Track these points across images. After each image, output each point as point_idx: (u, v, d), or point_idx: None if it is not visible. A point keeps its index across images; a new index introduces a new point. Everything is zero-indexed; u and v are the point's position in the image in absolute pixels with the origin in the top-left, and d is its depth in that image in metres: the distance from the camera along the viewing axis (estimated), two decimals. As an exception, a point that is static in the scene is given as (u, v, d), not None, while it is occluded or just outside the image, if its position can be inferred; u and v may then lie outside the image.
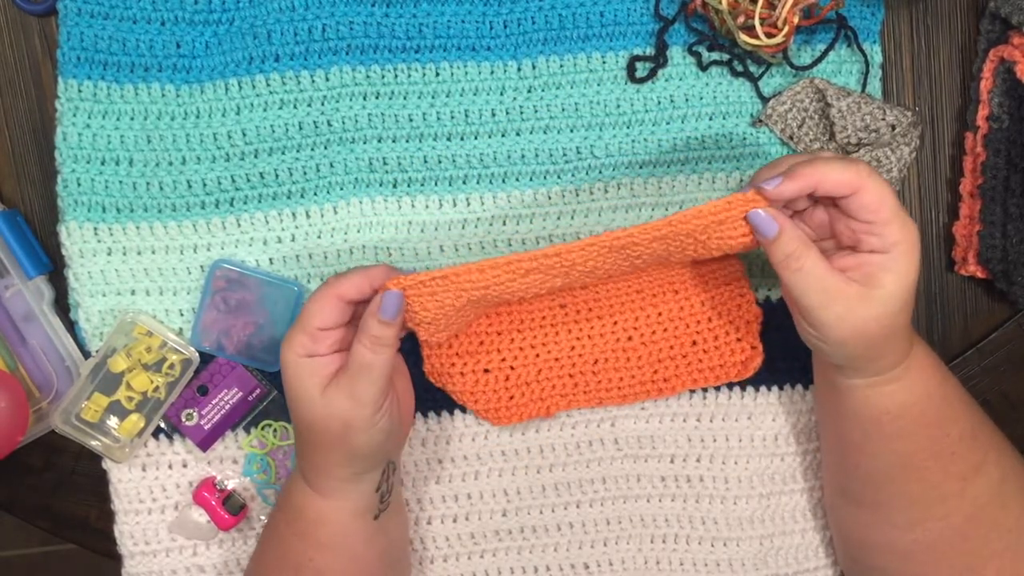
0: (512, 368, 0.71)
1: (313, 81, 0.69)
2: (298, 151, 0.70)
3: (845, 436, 0.66)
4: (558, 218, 0.72)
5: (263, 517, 0.72)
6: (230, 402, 0.70)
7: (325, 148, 0.70)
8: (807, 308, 0.59)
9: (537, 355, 0.71)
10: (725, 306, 0.71)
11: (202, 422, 0.70)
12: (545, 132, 0.72)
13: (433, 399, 0.72)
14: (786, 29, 0.68)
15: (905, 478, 0.64)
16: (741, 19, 0.68)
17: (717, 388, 0.73)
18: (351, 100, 0.70)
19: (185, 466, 0.72)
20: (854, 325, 0.58)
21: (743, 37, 0.69)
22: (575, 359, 0.71)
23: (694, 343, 0.71)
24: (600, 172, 0.72)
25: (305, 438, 0.62)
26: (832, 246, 0.62)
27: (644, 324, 0.71)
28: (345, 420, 0.60)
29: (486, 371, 0.71)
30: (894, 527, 0.65)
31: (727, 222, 0.59)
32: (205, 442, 0.70)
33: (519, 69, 0.71)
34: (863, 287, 0.58)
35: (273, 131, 0.69)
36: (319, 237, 0.70)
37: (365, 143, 0.70)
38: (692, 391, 0.73)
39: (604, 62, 0.72)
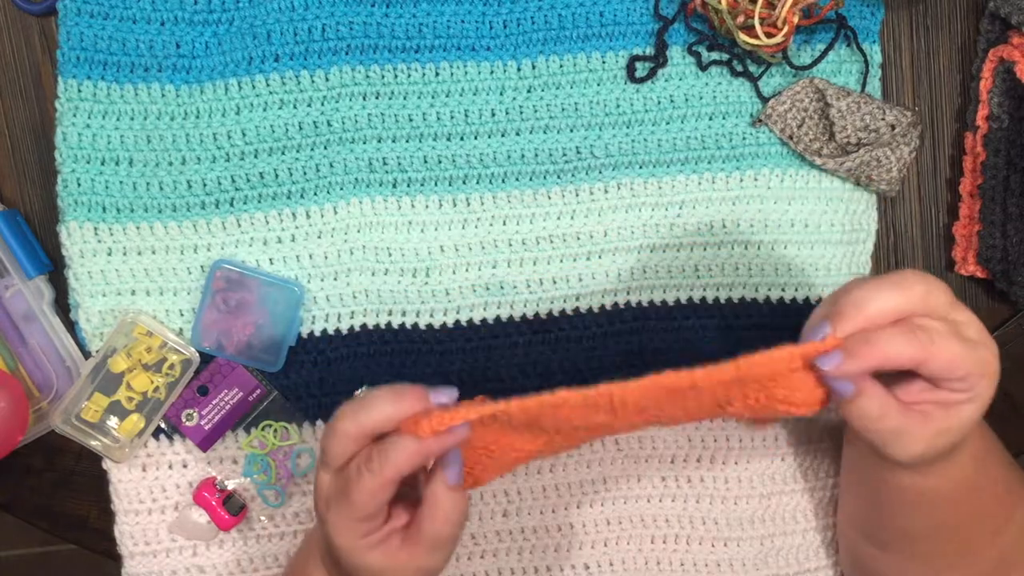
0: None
1: (313, 81, 0.69)
2: (298, 151, 0.70)
3: (879, 499, 0.64)
4: (558, 218, 0.72)
5: (263, 518, 0.72)
6: (230, 402, 0.70)
7: (325, 148, 0.70)
8: (875, 446, 0.56)
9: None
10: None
11: (202, 422, 0.70)
12: (545, 132, 0.72)
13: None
14: (786, 29, 0.68)
15: (937, 536, 0.63)
16: (741, 19, 0.68)
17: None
18: (351, 100, 0.70)
19: (185, 466, 0.71)
20: (925, 450, 0.55)
21: (743, 37, 0.69)
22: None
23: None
24: (600, 172, 0.72)
25: None
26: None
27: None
28: (429, 571, 0.57)
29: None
30: (918, 571, 0.65)
31: (796, 373, 0.55)
32: (205, 442, 0.70)
33: (519, 69, 0.71)
34: (940, 420, 0.55)
35: (273, 131, 0.70)
36: (319, 237, 0.70)
37: (365, 143, 0.70)
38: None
39: (604, 62, 0.72)
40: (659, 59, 0.72)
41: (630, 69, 0.72)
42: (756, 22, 0.68)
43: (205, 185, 0.70)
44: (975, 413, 0.55)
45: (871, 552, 0.68)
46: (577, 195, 0.72)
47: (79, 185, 0.68)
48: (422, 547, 0.55)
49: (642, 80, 0.72)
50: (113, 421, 0.69)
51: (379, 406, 0.54)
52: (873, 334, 0.53)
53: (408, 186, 0.71)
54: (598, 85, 0.72)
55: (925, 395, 0.55)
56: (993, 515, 0.63)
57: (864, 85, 0.73)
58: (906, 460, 0.56)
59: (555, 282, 0.72)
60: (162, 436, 0.71)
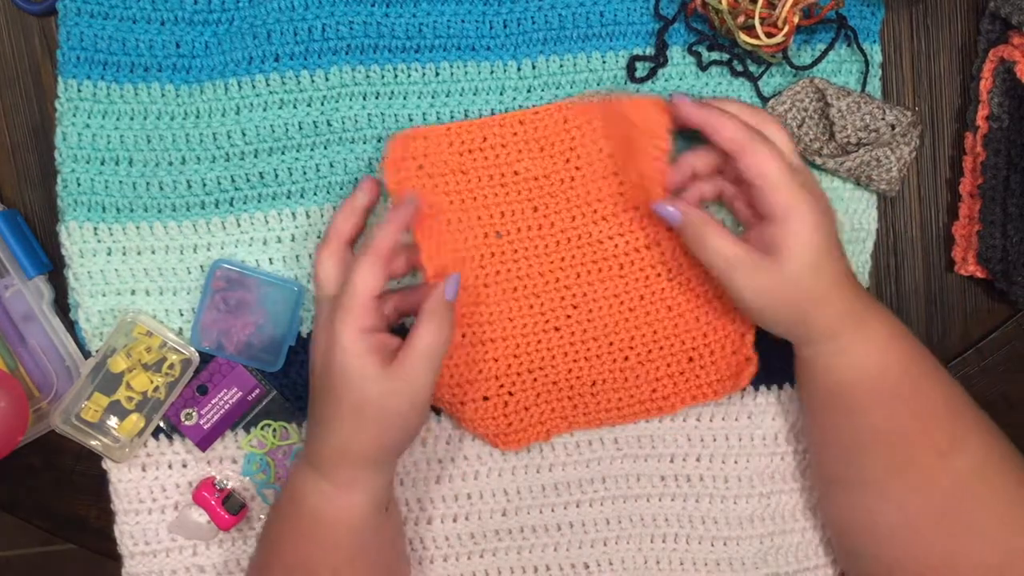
0: (511, 394, 0.71)
1: (313, 81, 0.69)
2: (298, 151, 0.70)
3: (813, 410, 0.68)
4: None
5: (263, 517, 0.72)
6: (230, 402, 0.70)
7: (325, 148, 0.70)
8: (721, 280, 0.64)
9: (535, 379, 0.71)
10: (720, 320, 0.71)
11: (201, 422, 0.70)
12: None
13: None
14: (786, 29, 0.68)
15: (876, 450, 0.64)
16: (741, 19, 0.68)
17: (717, 388, 0.73)
18: (351, 100, 0.70)
19: (185, 466, 0.72)
20: (764, 291, 0.63)
21: (743, 37, 0.69)
22: (573, 381, 0.71)
23: (690, 359, 0.71)
24: (600, 172, 0.72)
25: (348, 423, 0.61)
26: (751, 218, 0.67)
27: (640, 343, 0.71)
28: (412, 402, 0.61)
29: (485, 399, 0.71)
30: (873, 502, 0.65)
31: (651, 131, 0.67)
32: (204, 442, 0.70)
33: (519, 69, 0.71)
34: (766, 255, 0.62)
35: (273, 131, 0.69)
36: (319, 237, 0.70)
37: (365, 143, 0.70)
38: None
39: (604, 62, 0.72)
40: (659, 59, 0.72)
41: (630, 69, 0.72)
42: (756, 22, 0.68)
43: (205, 185, 0.70)
44: (796, 251, 0.62)
45: (835, 496, 0.69)
46: (577, 195, 0.72)
47: (79, 185, 0.68)
48: (412, 358, 0.61)
49: (642, 80, 0.72)
50: (113, 421, 0.69)
51: (383, 229, 0.63)
52: (727, 108, 0.65)
53: (408, 186, 0.71)
54: (598, 85, 0.72)
55: (753, 232, 0.65)
56: (932, 431, 0.64)
57: (864, 85, 0.73)
58: (742, 292, 0.63)
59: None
60: (162, 436, 0.71)
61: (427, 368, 0.61)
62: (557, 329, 0.71)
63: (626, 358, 0.71)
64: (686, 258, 0.70)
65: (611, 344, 0.71)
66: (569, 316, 0.71)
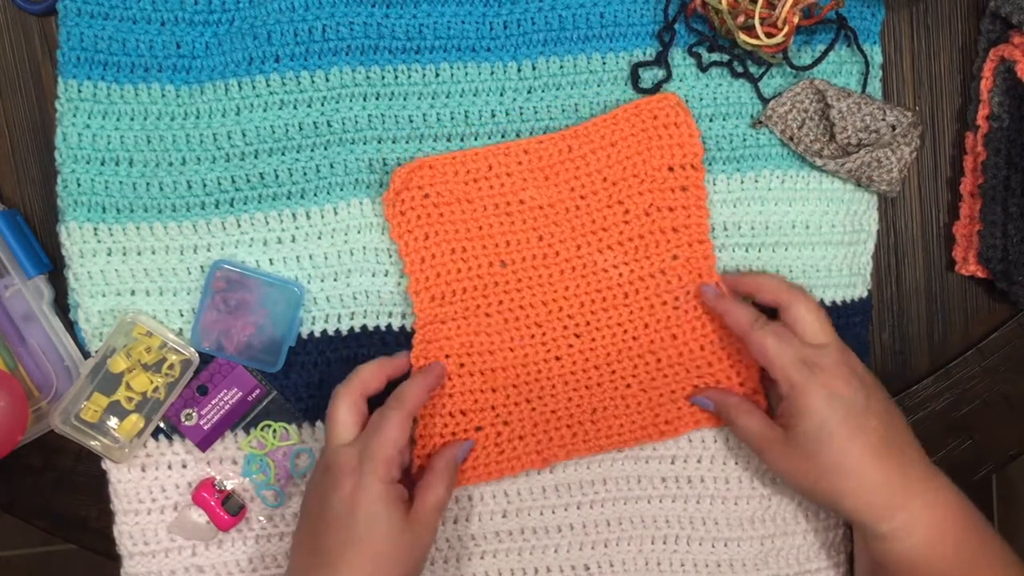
0: (506, 423, 0.71)
1: (313, 82, 0.69)
2: (298, 152, 0.70)
3: (869, 571, 0.69)
4: (558, 218, 0.72)
5: (262, 518, 0.72)
6: (229, 402, 0.70)
7: (325, 149, 0.70)
8: (759, 458, 0.68)
9: (533, 409, 0.71)
10: (726, 350, 0.71)
11: (201, 422, 0.70)
12: (545, 133, 0.72)
13: (433, 399, 0.72)
14: (786, 29, 0.68)
15: None
16: (741, 19, 0.68)
17: (717, 389, 0.73)
18: (351, 101, 0.70)
19: (184, 466, 0.71)
20: (791, 467, 0.65)
21: (743, 37, 0.69)
22: (572, 409, 0.71)
23: (696, 387, 0.71)
24: (600, 172, 0.72)
25: (363, 573, 0.62)
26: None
27: (643, 371, 0.71)
28: (423, 554, 0.64)
29: (478, 429, 0.70)
30: None
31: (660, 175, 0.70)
32: (204, 442, 0.70)
33: (519, 70, 0.71)
34: (785, 430, 0.65)
35: (273, 132, 0.69)
36: (319, 238, 0.70)
37: (365, 144, 0.70)
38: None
39: (604, 63, 0.72)
40: (660, 62, 0.71)
41: (634, 79, 0.71)
42: (756, 22, 0.68)
43: (205, 185, 0.70)
44: (807, 427, 0.63)
45: None
46: (577, 195, 0.72)
47: (79, 185, 0.68)
48: (427, 512, 0.64)
49: (648, 92, 0.71)
50: (112, 421, 0.69)
51: (375, 364, 0.68)
52: (736, 302, 0.68)
53: (408, 186, 0.71)
54: (598, 86, 0.72)
55: (782, 407, 0.66)
56: None
57: (864, 86, 0.73)
58: (777, 469, 0.66)
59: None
60: (161, 436, 0.71)
61: (437, 521, 0.65)
62: (558, 358, 0.71)
63: (628, 385, 0.71)
64: (692, 286, 0.70)
65: (613, 372, 0.71)
66: (571, 345, 0.71)
